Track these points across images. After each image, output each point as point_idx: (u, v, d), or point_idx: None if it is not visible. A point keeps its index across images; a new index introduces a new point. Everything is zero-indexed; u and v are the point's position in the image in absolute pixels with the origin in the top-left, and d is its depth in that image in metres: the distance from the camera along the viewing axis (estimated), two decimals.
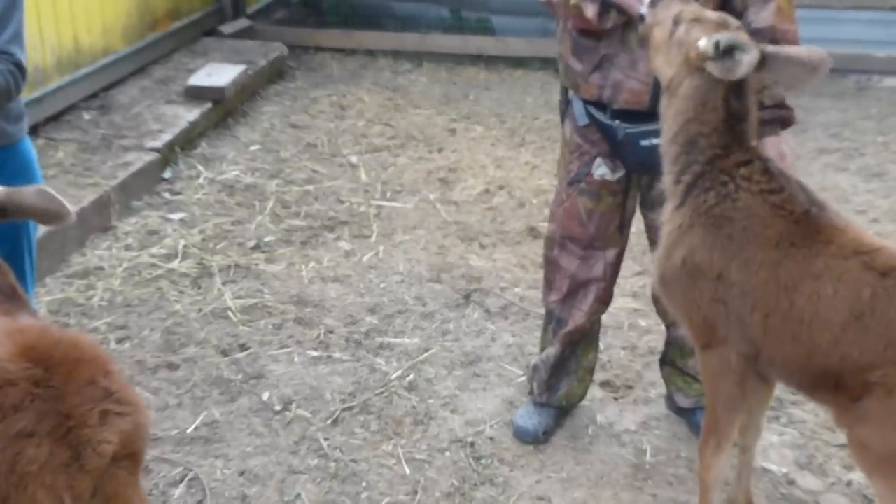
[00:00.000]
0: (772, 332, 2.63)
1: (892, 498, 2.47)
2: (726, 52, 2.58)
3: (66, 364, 2.05)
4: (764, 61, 2.65)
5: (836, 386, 2.52)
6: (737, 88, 2.68)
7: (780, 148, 3.25)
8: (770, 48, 2.68)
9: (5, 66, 3.08)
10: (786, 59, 2.66)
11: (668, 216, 2.87)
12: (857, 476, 3.43)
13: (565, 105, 3.53)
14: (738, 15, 3.15)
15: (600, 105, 3.34)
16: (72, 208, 2.52)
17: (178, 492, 3.49)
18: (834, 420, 2.61)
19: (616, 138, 3.35)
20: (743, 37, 2.60)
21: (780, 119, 3.21)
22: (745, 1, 3.15)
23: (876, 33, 7.91)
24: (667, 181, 2.88)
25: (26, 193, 2.54)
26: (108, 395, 2.05)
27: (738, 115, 2.71)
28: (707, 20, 2.70)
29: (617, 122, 3.31)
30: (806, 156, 6.33)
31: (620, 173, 3.44)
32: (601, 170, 3.44)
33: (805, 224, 2.61)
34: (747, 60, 2.56)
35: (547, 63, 7.95)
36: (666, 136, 2.84)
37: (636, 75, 3.18)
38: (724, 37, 2.59)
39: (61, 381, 2.02)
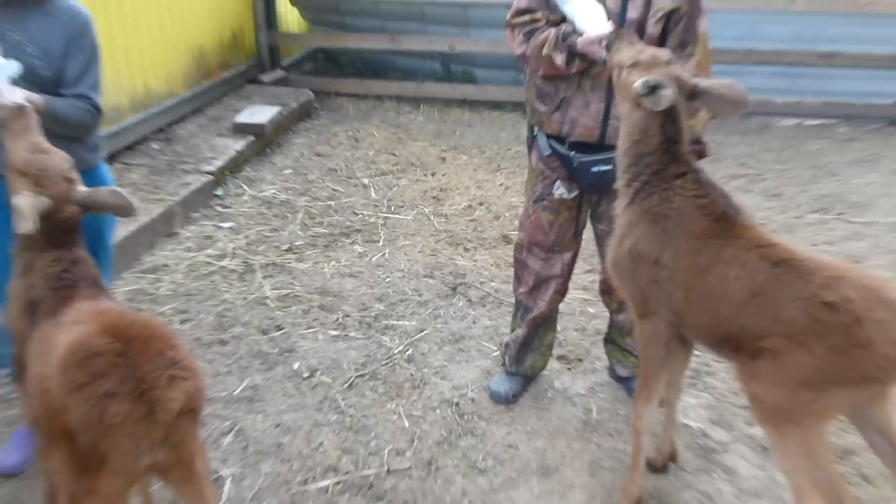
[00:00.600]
0: (691, 305, 2.66)
1: (779, 439, 2.49)
2: (652, 90, 2.62)
3: (140, 339, 2.10)
4: (696, 94, 2.70)
5: (737, 348, 2.55)
6: (671, 118, 2.71)
7: None
8: (703, 83, 2.70)
9: (86, 106, 3.09)
10: (715, 93, 2.68)
11: (621, 212, 2.89)
12: (757, 431, 3.46)
13: (531, 139, 3.53)
14: None
15: (560, 139, 3.34)
16: (136, 203, 2.58)
17: (227, 440, 3.51)
18: (736, 375, 2.62)
19: (572, 165, 3.35)
20: (663, 77, 2.63)
21: (697, 152, 3.24)
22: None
23: (776, 83, 7.94)
24: (620, 184, 2.89)
25: (102, 192, 2.60)
26: (174, 363, 2.09)
27: (673, 139, 2.73)
28: (641, 63, 2.72)
29: (573, 152, 3.31)
30: (721, 181, 6.32)
31: (575, 193, 3.45)
32: (560, 190, 3.45)
33: (722, 222, 2.64)
34: (666, 94, 2.61)
35: (517, 106, 7.98)
36: (620, 150, 2.86)
37: (588, 114, 3.19)
38: (650, 79, 2.62)
39: (136, 352, 2.06)
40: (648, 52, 2.76)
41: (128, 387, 2.00)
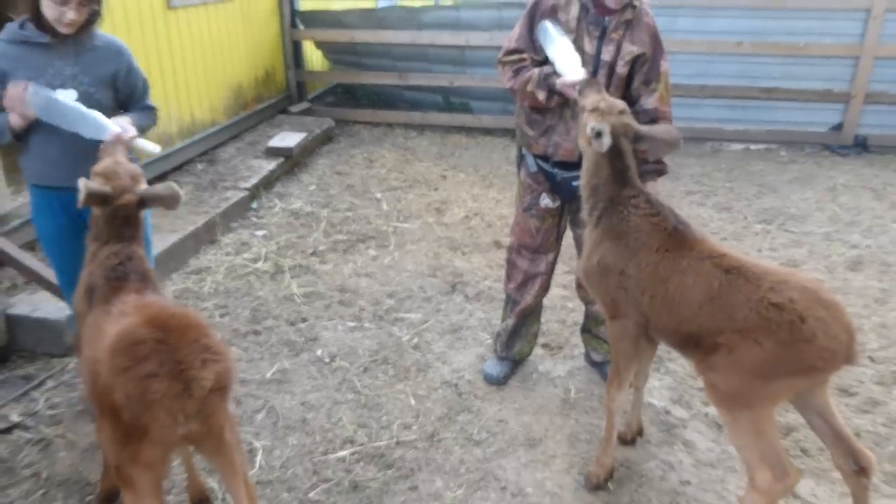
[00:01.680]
0: (655, 308, 2.64)
1: (731, 421, 2.47)
2: (598, 135, 2.68)
3: (179, 329, 2.10)
4: (639, 137, 2.75)
5: (696, 345, 2.53)
6: (617, 156, 2.75)
7: (657, 189, 3.30)
8: (644, 129, 2.76)
9: (152, 111, 3.25)
10: (653, 136, 2.74)
11: (588, 234, 2.92)
12: (712, 410, 3.43)
13: (520, 158, 3.53)
14: (635, 100, 3.18)
15: (545, 158, 3.36)
16: (181, 193, 2.59)
17: (259, 417, 3.47)
18: (694, 368, 2.60)
19: (555, 180, 3.38)
20: (607, 125, 2.68)
21: (657, 171, 3.25)
22: (639, 91, 3.18)
23: (725, 114, 7.97)
24: (584, 213, 2.93)
25: (158, 187, 2.62)
26: (207, 349, 2.09)
27: (621, 171, 2.77)
28: (598, 110, 2.76)
29: (556, 170, 3.34)
30: (678, 195, 6.34)
31: (558, 203, 3.45)
32: (545, 201, 3.45)
33: (674, 236, 2.64)
34: (605, 141, 2.67)
35: (507, 132, 7.97)
36: (582, 183, 2.91)
37: (569, 139, 3.22)
38: (595, 125, 2.68)
39: (175, 340, 2.06)
40: (608, 101, 2.80)
41: (166, 368, 2.00)
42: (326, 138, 7.80)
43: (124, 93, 3.11)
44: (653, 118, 3.16)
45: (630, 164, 2.77)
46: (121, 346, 2.06)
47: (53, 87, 2.80)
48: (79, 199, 2.40)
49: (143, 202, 2.57)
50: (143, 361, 2.01)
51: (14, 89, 2.72)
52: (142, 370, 1.99)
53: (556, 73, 3.06)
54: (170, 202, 2.57)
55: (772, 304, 2.31)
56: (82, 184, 2.42)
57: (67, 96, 2.78)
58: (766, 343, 2.30)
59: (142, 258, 2.53)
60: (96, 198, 2.47)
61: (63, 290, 3.28)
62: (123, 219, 2.52)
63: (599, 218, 2.81)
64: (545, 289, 3.67)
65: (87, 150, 2.82)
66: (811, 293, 2.32)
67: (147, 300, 2.32)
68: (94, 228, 2.56)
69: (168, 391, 1.98)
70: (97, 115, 2.81)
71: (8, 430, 3.32)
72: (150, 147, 2.97)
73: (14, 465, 3.13)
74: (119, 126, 2.83)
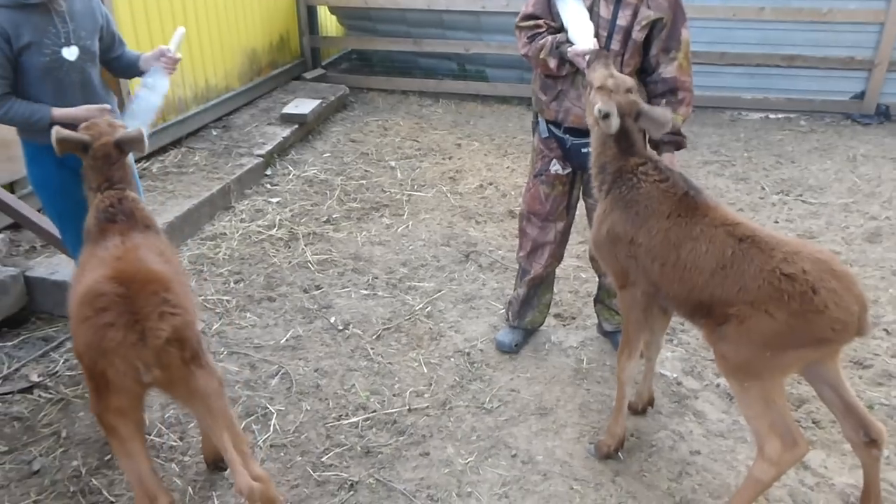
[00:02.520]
0: (666, 276, 2.63)
1: (741, 391, 2.48)
2: (605, 117, 2.65)
3: (140, 283, 2.22)
4: (640, 115, 2.71)
5: (707, 314, 2.53)
6: (623, 134, 2.72)
7: (673, 161, 3.25)
8: (644, 108, 2.72)
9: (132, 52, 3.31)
10: (649, 116, 2.69)
11: (598, 205, 2.90)
12: (723, 381, 3.43)
13: (535, 123, 3.51)
14: (654, 68, 3.13)
15: (556, 124, 3.33)
16: (146, 137, 2.74)
17: (274, 381, 3.52)
18: (704, 338, 2.60)
19: (566, 146, 3.36)
20: (613, 106, 2.65)
21: (675, 142, 3.20)
22: (657, 59, 3.12)
23: (744, 82, 7.82)
24: (594, 188, 2.92)
25: (130, 131, 2.73)
26: (165, 302, 2.20)
27: (627, 148, 2.74)
28: (605, 87, 2.71)
29: (567, 136, 3.32)
30: (695, 166, 6.27)
31: (568, 170, 3.44)
32: (555, 167, 3.44)
33: (686, 202, 2.62)
34: (613, 122, 2.64)
35: (522, 100, 7.88)
36: (591, 160, 2.89)
37: (580, 105, 3.18)
38: (602, 107, 2.65)
39: (135, 293, 2.18)
40: (615, 78, 2.76)
41: (123, 319, 2.13)
42: (341, 105, 7.75)
43: (107, 42, 3.17)
44: (671, 87, 3.11)
45: (636, 139, 2.75)
46: (85, 298, 2.20)
47: (59, 46, 2.89)
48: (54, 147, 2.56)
49: (121, 146, 2.67)
50: (102, 312, 2.14)
51: (99, 120, 2.81)
52: (100, 320, 2.13)
53: (568, 42, 3.03)
54: (139, 145, 2.68)
55: (784, 275, 2.30)
56: (54, 131, 2.55)
57: (72, 53, 2.91)
58: (778, 314, 2.30)
59: (133, 199, 2.64)
60: (72, 144, 2.60)
61: (67, 245, 3.35)
62: (106, 162, 2.63)
63: (608, 190, 2.79)
64: (556, 259, 3.66)
65: (75, 104, 2.95)
66: (823, 264, 2.31)
67: (125, 247, 2.42)
68: (86, 180, 2.69)
69: (123, 340, 2.11)
70: (154, 97, 3.10)
71: (28, 390, 3.39)
72: (178, 37, 3.24)
73: (34, 424, 3.20)
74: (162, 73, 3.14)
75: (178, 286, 2.31)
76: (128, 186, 2.67)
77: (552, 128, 3.36)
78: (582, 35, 2.96)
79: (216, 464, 2.95)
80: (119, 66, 3.28)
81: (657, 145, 3.22)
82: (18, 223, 4.01)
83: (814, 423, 3.24)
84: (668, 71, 3.11)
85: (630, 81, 2.77)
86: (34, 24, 2.84)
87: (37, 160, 3.08)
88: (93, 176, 2.65)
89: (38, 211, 4.43)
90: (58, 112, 2.89)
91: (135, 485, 2.32)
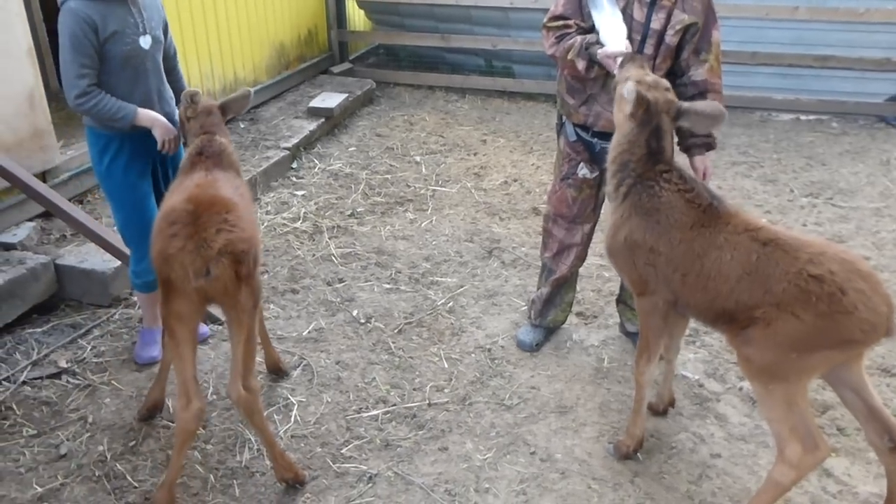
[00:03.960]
0: (688, 287, 2.62)
1: (764, 394, 2.47)
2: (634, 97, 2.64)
3: (207, 204, 2.55)
4: (681, 113, 2.66)
5: (730, 320, 2.51)
6: (656, 135, 2.67)
7: (706, 163, 3.23)
8: (686, 104, 2.67)
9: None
10: (696, 111, 2.66)
11: (612, 210, 2.85)
12: (746, 384, 3.39)
13: (560, 126, 3.49)
14: (683, 71, 3.10)
15: (585, 128, 3.31)
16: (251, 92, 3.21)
17: (296, 373, 3.56)
18: (727, 342, 2.59)
19: (594, 150, 3.33)
20: (634, 86, 2.64)
21: (706, 144, 3.17)
22: (688, 62, 3.10)
23: (775, 82, 7.71)
24: (609, 189, 2.86)
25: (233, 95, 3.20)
26: (225, 221, 2.50)
27: (657, 151, 2.69)
28: (643, 83, 2.68)
29: (595, 140, 3.29)
30: (723, 167, 6.21)
31: (596, 174, 3.41)
32: (583, 171, 3.42)
33: (709, 212, 2.60)
34: (630, 98, 2.64)
35: (549, 97, 7.84)
36: (610, 158, 2.83)
37: (610, 109, 3.11)
38: (629, 87, 2.64)
39: (202, 212, 2.50)
40: (653, 77, 2.74)
41: (186, 231, 2.46)
42: (367, 100, 7.79)
43: (167, 42, 3.33)
44: (702, 90, 3.08)
45: (667, 144, 2.71)
46: (162, 215, 2.60)
47: (137, 35, 3.07)
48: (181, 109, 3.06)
49: (224, 108, 3.11)
50: (171, 225, 2.49)
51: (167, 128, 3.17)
52: (169, 231, 2.48)
53: (598, 43, 2.99)
54: (242, 102, 3.16)
55: (811, 277, 2.29)
56: (186, 93, 3.04)
57: (146, 42, 3.11)
58: (805, 316, 2.29)
59: (220, 143, 2.97)
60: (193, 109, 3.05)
61: (125, 237, 3.46)
62: (205, 113, 3.04)
63: (626, 193, 2.75)
64: (581, 259, 3.65)
65: (150, 90, 3.22)
66: (850, 265, 2.30)
67: (205, 179, 2.76)
68: (188, 132, 3.07)
69: (183, 247, 2.43)
70: None
71: (56, 376, 3.47)
72: None
73: (62, 409, 3.27)
74: None
75: (242, 211, 2.60)
76: (220, 133, 3.03)
77: (580, 132, 3.34)
78: (614, 37, 2.92)
79: (150, 413, 3.19)
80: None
81: (688, 148, 3.20)
82: (50, 212, 4.09)
83: (838, 430, 3.20)
84: (698, 74, 3.08)
85: (666, 82, 2.75)
86: (117, 14, 3.01)
87: (107, 150, 3.22)
88: (194, 125, 3.02)
89: (75, 202, 4.52)
90: (142, 113, 3.11)
91: (179, 385, 2.63)
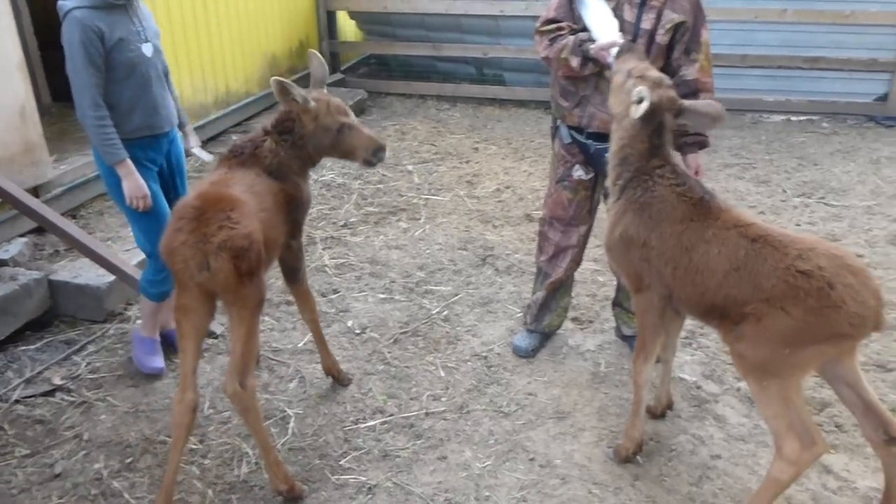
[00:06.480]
0: (679, 280, 2.63)
1: (759, 391, 2.47)
2: (640, 101, 2.61)
3: (213, 201, 2.59)
4: (682, 111, 2.68)
5: (722, 315, 2.52)
6: (658, 130, 2.69)
7: (698, 162, 3.24)
8: (687, 103, 2.69)
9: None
10: (696, 110, 2.67)
11: (610, 206, 2.88)
12: (743, 385, 3.40)
13: (554, 129, 3.50)
14: (675, 71, 3.11)
15: (579, 129, 3.33)
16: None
17: (292, 385, 3.54)
18: (721, 338, 2.60)
19: (589, 152, 3.35)
20: (647, 92, 2.60)
21: (699, 143, 3.19)
22: (679, 62, 3.12)
23: (766, 84, 7.77)
24: (609, 182, 2.88)
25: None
26: (228, 218, 2.54)
27: (658, 146, 2.71)
28: (647, 78, 2.68)
29: (590, 141, 3.31)
30: (715, 168, 6.23)
31: (591, 175, 3.42)
32: (578, 172, 3.43)
33: (700, 206, 2.62)
34: (643, 106, 2.60)
35: (540, 104, 7.88)
36: (611, 152, 2.85)
37: (604, 110, 3.15)
38: (641, 90, 2.61)
39: (207, 210, 2.55)
40: (657, 73, 2.74)
41: (190, 226, 2.53)
42: (359, 110, 7.79)
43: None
44: (693, 90, 3.10)
45: (667, 139, 2.73)
46: (173, 211, 2.68)
47: (139, 42, 3.12)
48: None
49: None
50: (178, 220, 2.57)
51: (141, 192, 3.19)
52: (175, 225, 2.56)
53: (591, 40, 3.01)
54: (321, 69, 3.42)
55: (800, 272, 2.31)
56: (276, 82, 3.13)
57: (148, 49, 3.17)
58: (795, 311, 2.30)
59: (256, 144, 2.99)
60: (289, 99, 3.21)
61: (139, 243, 3.49)
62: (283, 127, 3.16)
63: (623, 187, 2.77)
64: (577, 262, 3.65)
65: (155, 96, 3.25)
66: (839, 260, 2.32)
67: (223, 177, 2.81)
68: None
69: (185, 241, 2.51)
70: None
71: (51, 393, 3.44)
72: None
73: (56, 427, 3.24)
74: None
75: (248, 210, 2.63)
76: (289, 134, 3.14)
77: (574, 134, 3.35)
78: (605, 30, 2.94)
79: None
80: None
81: (681, 146, 3.21)
82: (42, 227, 4.07)
83: (836, 426, 3.20)
84: (689, 73, 3.10)
85: (667, 78, 2.75)
86: (122, 22, 3.08)
87: (143, 162, 3.27)
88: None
89: (69, 217, 4.50)
90: (127, 163, 3.13)
91: (180, 377, 2.69)
